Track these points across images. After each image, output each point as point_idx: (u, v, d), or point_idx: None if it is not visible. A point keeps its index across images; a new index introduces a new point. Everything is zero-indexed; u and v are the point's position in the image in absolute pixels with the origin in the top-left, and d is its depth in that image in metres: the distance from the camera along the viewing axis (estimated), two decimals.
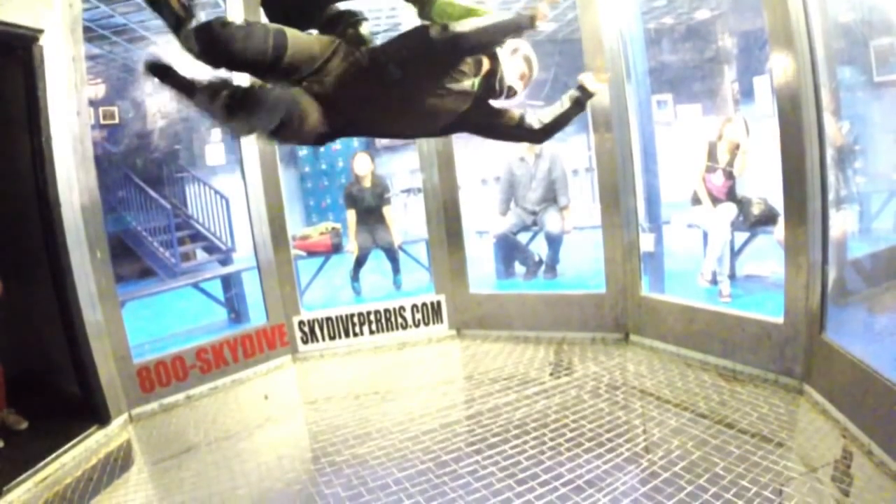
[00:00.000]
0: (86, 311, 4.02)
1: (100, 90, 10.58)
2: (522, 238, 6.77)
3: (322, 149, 10.25)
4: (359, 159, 6.95)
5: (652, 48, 10.18)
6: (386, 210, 6.96)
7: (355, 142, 11.14)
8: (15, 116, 3.98)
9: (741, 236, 5.81)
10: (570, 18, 9.83)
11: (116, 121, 10.75)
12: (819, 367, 3.44)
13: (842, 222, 3.90)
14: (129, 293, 6.16)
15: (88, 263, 4.06)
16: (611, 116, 4.53)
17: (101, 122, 10.41)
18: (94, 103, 9.95)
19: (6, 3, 3.54)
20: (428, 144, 5.14)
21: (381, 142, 11.72)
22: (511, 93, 2.67)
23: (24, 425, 4.00)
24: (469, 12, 2.49)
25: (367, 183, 6.92)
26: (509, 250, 6.73)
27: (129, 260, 10.15)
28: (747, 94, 9.59)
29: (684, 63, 10.78)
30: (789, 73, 3.41)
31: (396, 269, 7.00)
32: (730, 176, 5.58)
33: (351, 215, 6.89)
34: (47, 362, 4.58)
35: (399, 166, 11.58)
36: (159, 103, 11.12)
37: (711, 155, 5.63)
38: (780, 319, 3.69)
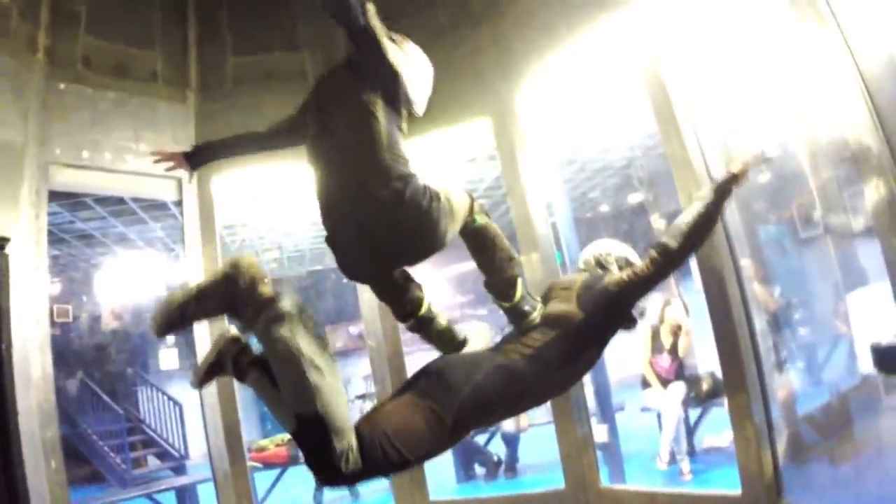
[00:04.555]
0: None
1: (55, 289, 10.67)
2: (480, 439, 6.75)
3: None
4: None
5: (592, 236, 10.77)
6: None
7: None
8: None
9: (696, 412, 5.90)
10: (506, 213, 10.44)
11: (69, 319, 10.75)
12: None
13: (787, 382, 4.01)
14: (81, 501, 5.89)
15: (42, 471, 3.97)
16: None
17: (55, 319, 10.42)
18: (49, 300, 10.00)
19: None
20: (379, 351, 5.23)
21: (336, 347, 11.81)
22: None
23: None
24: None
25: None
26: (468, 452, 6.65)
27: (79, 463, 9.75)
28: (685, 271, 10.06)
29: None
30: (707, 248, 3.57)
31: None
32: (675, 356, 5.77)
33: None
34: None
35: (353, 371, 11.62)
36: (114, 305, 11.19)
37: (655, 338, 5.86)
38: (738, 492, 3.69)
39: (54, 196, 4.79)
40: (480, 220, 2.44)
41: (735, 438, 3.70)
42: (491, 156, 7.68)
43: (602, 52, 4.39)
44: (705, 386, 5.65)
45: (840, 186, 3.30)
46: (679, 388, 5.65)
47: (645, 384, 5.88)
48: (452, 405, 1.96)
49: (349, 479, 1.80)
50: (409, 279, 2.46)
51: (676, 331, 5.80)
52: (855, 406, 3.53)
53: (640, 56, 3.94)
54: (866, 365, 3.28)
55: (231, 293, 1.87)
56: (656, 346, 5.84)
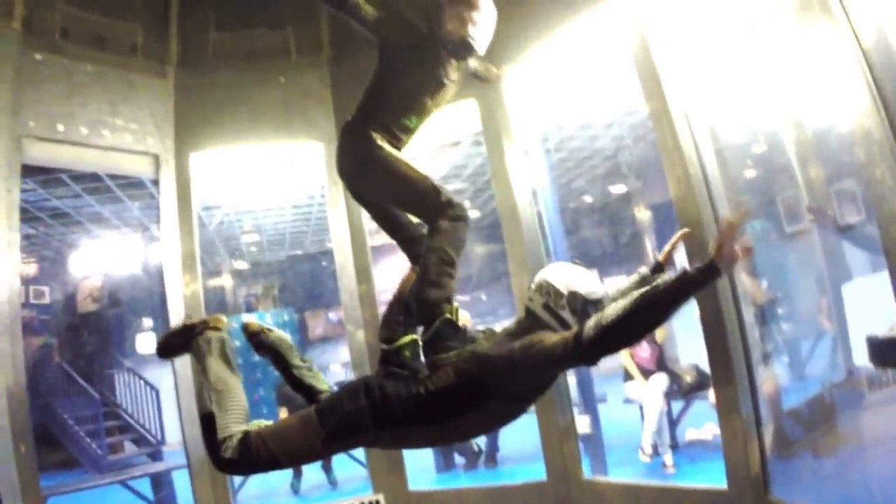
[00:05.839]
0: None
1: (31, 269, 10.47)
2: None
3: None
4: None
5: (575, 226, 10.78)
6: None
7: None
8: None
9: (678, 405, 5.86)
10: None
11: (46, 301, 10.57)
12: None
13: (772, 376, 3.96)
14: (52, 488, 5.73)
15: (12, 457, 3.82)
16: None
17: (31, 301, 10.22)
18: (24, 281, 9.83)
19: None
20: (358, 338, 5.14)
21: (315, 333, 11.64)
22: None
23: None
24: None
25: None
26: None
27: (53, 449, 9.55)
28: (668, 261, 10.07)
29: (609, 236, 11.39)
30: (695, 239, 3.49)
31: (328, 468, 6.80)
32: (654, 344, 5.71)
33: (283, 413, 6.70)
34: None
35: (332, 358, 11.52)
36: (91, 287, 11.00)
37: None
38: (724, 486, 3.64)
39: (27, 171, 4.63)
40: (430, 241, 2.57)
41: (722, 431, 3.66)
42: (475, 141, 7.56)
43: (593, 36, 4.30)
44: (688, 378, 5.61)
45: (829, 180, 3.25)
46: (661, 380, 5.60)
47: (627, 376, 5.82)
48: (331, 418, 2.21)
49: (231, 467, 2.18)
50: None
51: None
52: (839, 401, 3.51)
53: (632, 40, 3.84)
54: (855, 359, 3.26)
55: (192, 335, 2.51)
56: None
